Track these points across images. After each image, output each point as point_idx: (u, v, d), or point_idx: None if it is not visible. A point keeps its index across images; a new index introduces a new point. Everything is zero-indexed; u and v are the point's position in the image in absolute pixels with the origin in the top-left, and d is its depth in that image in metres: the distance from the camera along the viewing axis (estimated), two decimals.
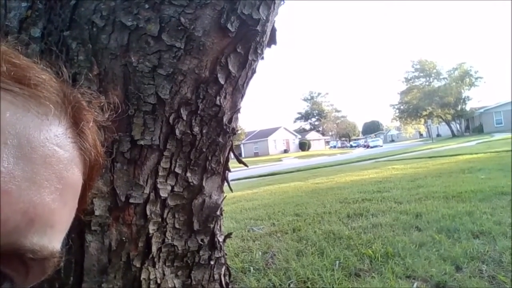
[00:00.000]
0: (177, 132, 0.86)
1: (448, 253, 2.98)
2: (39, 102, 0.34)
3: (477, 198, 4.93)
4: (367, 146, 55.44)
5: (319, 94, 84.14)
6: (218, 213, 1.03)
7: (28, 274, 0.33)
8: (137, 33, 0.79)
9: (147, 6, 0.79)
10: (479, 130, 43.05)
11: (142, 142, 0.81)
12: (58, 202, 0.33)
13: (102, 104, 0.48)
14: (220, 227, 1.08)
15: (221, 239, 1.08)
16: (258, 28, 0.93)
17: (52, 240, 0.33)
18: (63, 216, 0.35)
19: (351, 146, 66.51)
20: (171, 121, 0.84)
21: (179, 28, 0.81)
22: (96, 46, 0.78)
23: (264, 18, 0.94)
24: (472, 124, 48.37)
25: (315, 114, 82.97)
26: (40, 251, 0.32)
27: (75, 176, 0.37)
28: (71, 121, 0.38)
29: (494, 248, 2.97)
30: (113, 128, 0.76)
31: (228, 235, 1.19)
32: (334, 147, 70.02)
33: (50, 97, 0.36)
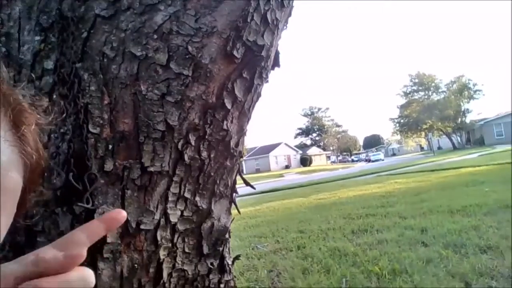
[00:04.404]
0: (185, 157, 0.87)
1: (456, 269, 2.95)
2: None
3: (482, 212, 4.89)
4: (369, 160, 55.27)
5: (319, 109, 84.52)
6: (226, 236, 1.04)
7: None
8: (146, 62, 0.82)
9: (155, 36, 0.82)
10: (480, 142, 43.00)
11: (152, 169, 0.82)
12: None
13: (45, 106, 0.46)
14: (228, 249, 1.08)
15: (230, 262, 1.08)
16: (263, 53, 0.96)
17: None
18: (1, 221, 0.34)
19: (353, 161, 66.31)
20: (180, 147, 0.86)
21: (187, 56, 0.83)
22: (107, 76, 0.80)
23: (269, 43, 0.97)
24: (473, 137, 48.35)
25: (315, 130, 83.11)
26: None
27: (14, 180, 0.36)
28: (10, 123, 0.37)
29: (503, 263, 2.93)
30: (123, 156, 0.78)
31: (237, 257, 1.19)
32: (334, 162, 69.67)
33: None
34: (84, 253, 0.37)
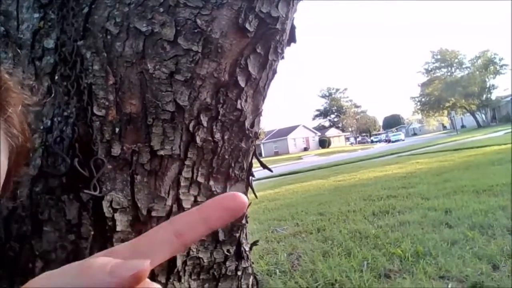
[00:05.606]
0: (197, 139, 0.82)
1: (483, 251, 2.85)
2: None
3: (510, 191, 4.71)
4: (389, 141, 54.28)
5: (337, 90, 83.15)
6: (243, 221, 0.99)
7: None
8: (152, 39, 0.76)
9: (161, 9, 0.76)
10: (507, 120, 41.49)
11: (162, 152, 0.77)
12: None
13: (32, 86, 0.44)
14: (245, 235, 1.04)
15: (247, 248, 1.04)
16: (278, 26, 0.88)
17: None
18: None
19: (372, 142, 65.29)
20: (191, 128, 0.81)
21: (196, 30, 0.77)
22: (111, 55, 0.75)
23: (284, 15, 0.89)
24: (499, 114, 46.71)
25: (334, 111, 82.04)
26: None
27: (1, 164, 0.35)
28: None
29: None
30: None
31: (254, 243, 1.14)
32: (353, 143, 68.67)
33: None
34: None
